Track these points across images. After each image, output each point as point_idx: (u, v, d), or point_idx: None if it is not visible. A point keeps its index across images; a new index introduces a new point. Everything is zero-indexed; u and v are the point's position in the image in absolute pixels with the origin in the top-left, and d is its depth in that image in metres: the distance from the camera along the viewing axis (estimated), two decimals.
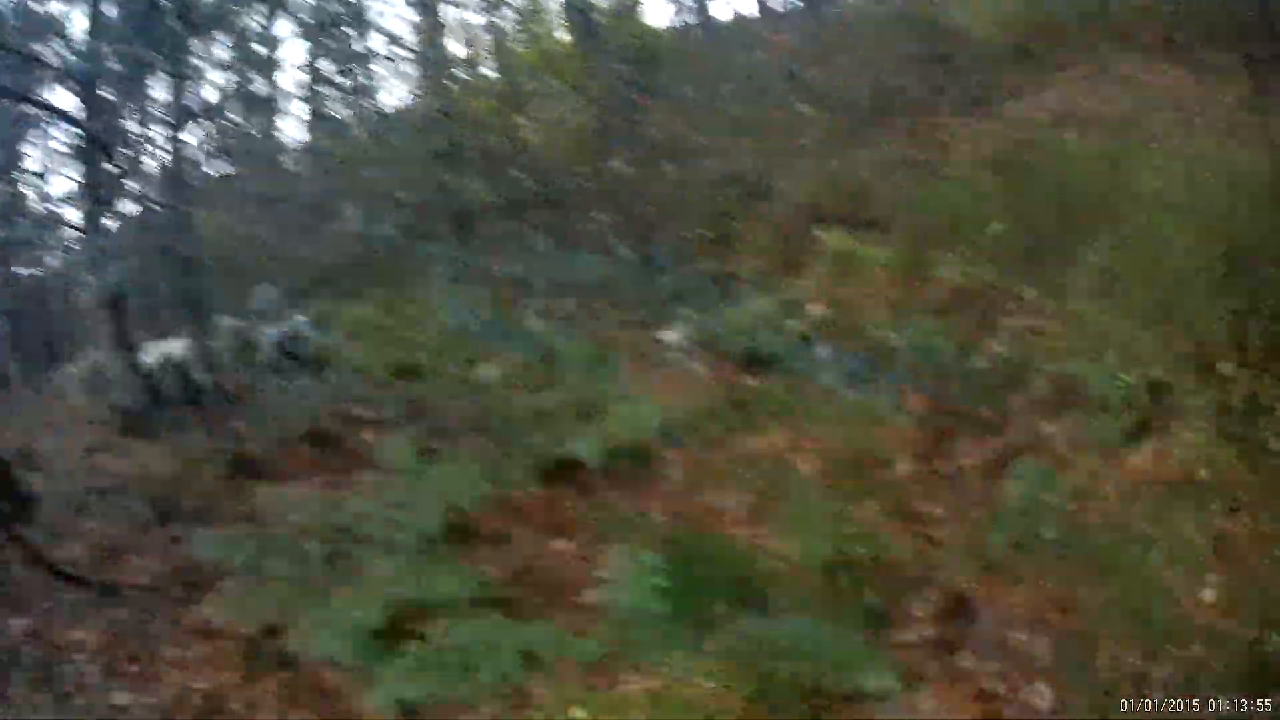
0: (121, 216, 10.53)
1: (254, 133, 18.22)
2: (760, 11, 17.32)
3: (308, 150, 18.41)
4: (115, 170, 9.73)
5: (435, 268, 13.63)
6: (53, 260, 14.86)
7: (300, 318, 11.35)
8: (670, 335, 9.28)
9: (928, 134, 10.46)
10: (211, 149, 15.57)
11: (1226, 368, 4.93)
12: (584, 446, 7.13)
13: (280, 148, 18.35)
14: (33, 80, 10.26)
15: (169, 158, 11.41)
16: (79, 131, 9.48)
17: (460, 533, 6.31)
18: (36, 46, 10.37)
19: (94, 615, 6.07)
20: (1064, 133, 9.47)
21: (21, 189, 14.92)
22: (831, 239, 9.10)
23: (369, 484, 7.16)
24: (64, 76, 9.70)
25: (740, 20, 18.05)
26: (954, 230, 8.09)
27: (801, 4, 16.63)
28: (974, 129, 10.07)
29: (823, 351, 7.91)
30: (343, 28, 18.65)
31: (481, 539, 6.45)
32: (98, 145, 9.16)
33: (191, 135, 14.07)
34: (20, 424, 10.45)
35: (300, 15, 15.88)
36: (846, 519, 5.55)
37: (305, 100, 19.10)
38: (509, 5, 17.56)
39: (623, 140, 11.93)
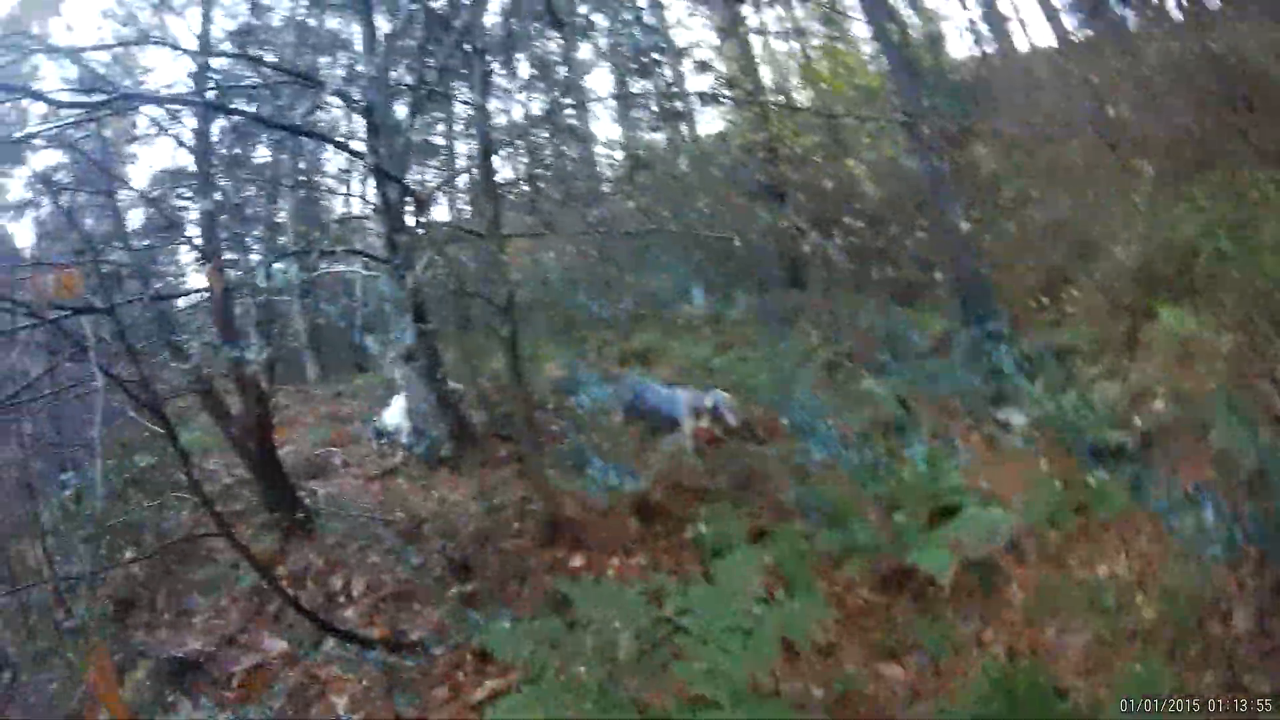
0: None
1: (567, 158, 18.59)
2: (1058, 42, 16.93)
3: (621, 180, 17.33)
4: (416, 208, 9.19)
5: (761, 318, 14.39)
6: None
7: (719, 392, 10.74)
8: (1014, 417, 9.66)
9: (1241, 188, 10.17)
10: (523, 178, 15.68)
11: None
12: (933, 560, 6.94)
13: (595, 176, 18.01)
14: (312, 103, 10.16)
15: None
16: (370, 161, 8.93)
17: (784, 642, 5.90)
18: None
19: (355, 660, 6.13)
20: None
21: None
22: (1169, 317, 9.09)
23: (694, 572, 7.01)
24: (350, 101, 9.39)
25: (1037, 51, 17.66)
26: None
27: (1095, 34, 16.05)
28: None
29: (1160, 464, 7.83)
30: (651, 53, 18.79)
31: (809, 650, 6.17)
32: (389, 179, 8.82)
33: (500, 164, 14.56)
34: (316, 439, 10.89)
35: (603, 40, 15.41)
36: (1181, 688, 5.41)
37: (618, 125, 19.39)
38: (817, 35, 17.96)
39: (951, 187, 12.15)
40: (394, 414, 10.58)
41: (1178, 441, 7.93)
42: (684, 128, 19.37)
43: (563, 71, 15.80)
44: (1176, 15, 13.94)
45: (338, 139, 11.37)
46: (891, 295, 12.80)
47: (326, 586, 7.09)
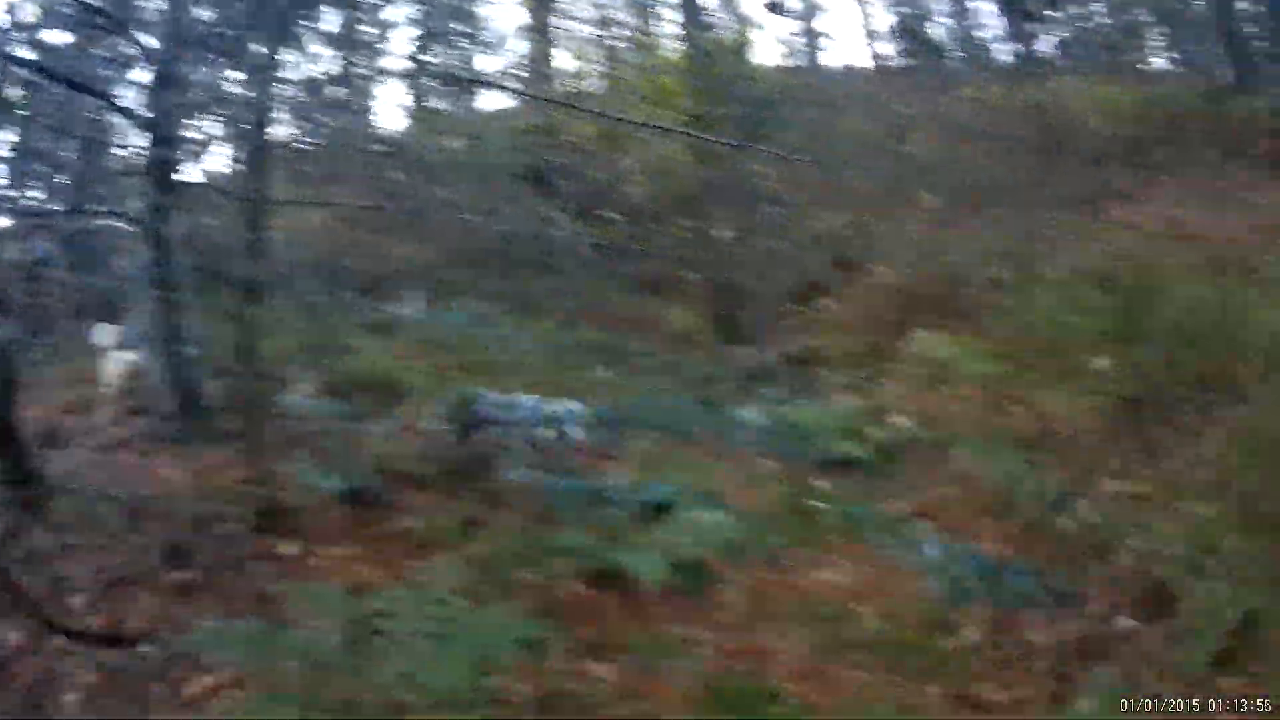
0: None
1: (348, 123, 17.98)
2: (874, 65, 16.67)
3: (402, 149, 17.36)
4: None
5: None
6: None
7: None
8: (747, 416, 8.90)
9: (1032, 229, 10.14)
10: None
11: None
12: (645, 565, 6.35)
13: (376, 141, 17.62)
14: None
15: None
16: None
17: None
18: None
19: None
20: (1173, 248, 9.22)
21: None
22: (924, 341, 8.67)
23: (401, 564, 6.50)
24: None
25: (851, 71, 17.48)
26: (1054, 350, 7.77)
27: (916, 62, 15.93)
28: (1080, 231, 9.78)
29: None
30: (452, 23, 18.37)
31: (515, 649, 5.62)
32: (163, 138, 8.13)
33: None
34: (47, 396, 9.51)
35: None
36: (906, 706, 5.07)
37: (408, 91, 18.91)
38: (623, 25, 17.33)
39: (727, 195, 11.46)
40: (116, 378, 9.38)
41: (916, 459, 7.55)
42: (473, 104, 18.45)
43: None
44: (1004, 58, 13.74)
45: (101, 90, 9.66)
46: (645, 290, 12.29)
47: (54, 572, 6.24)
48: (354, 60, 16.96)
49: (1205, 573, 4.90)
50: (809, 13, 17.48)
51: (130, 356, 9.36)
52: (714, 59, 14.51)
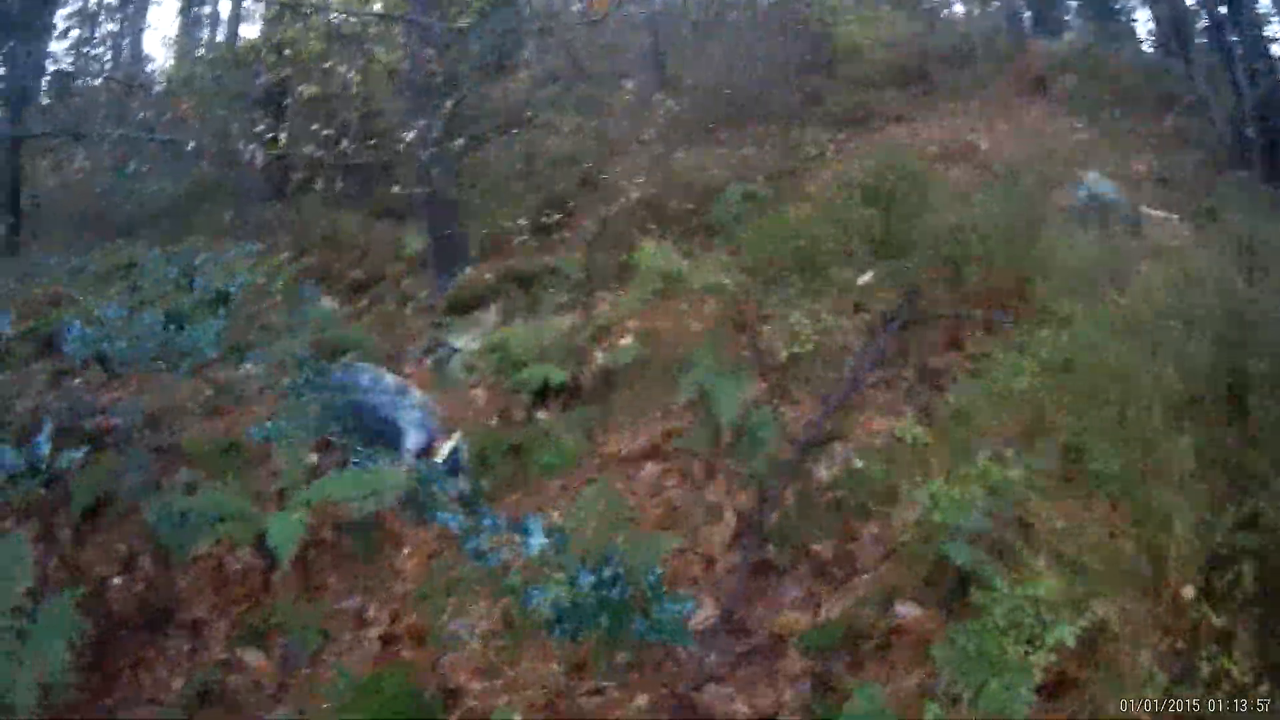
0: None
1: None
2: None
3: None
4: None
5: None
6: None
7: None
8: (460, 341, 7.57)
9: (797, 144, 9.11)
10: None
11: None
12: (280, 530, 5.14)
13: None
14: None
15: None
16: None
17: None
18: None
19: None
20: (947, 162, 8.30)
21: None
22: (654, 253, 7.31)
23: None
24: None
25: None
26: (809, 268, 6.54)
27: None
28: (846, 149, 8.68)
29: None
30: None
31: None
32: None
33: None
34: None
35: None
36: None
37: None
38: None
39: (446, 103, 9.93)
40: None
41: (644, 385, 6.32)
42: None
43: None
44: None
45: None
46: (381, 212, 11.37)
47: None
48: None
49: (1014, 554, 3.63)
50: None
51: None
52: None
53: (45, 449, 5.88)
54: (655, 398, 6.05)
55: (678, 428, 5.83)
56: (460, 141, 8.67)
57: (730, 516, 5.08)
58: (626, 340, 6.57)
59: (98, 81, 18.47)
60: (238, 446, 6.17)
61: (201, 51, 17.52)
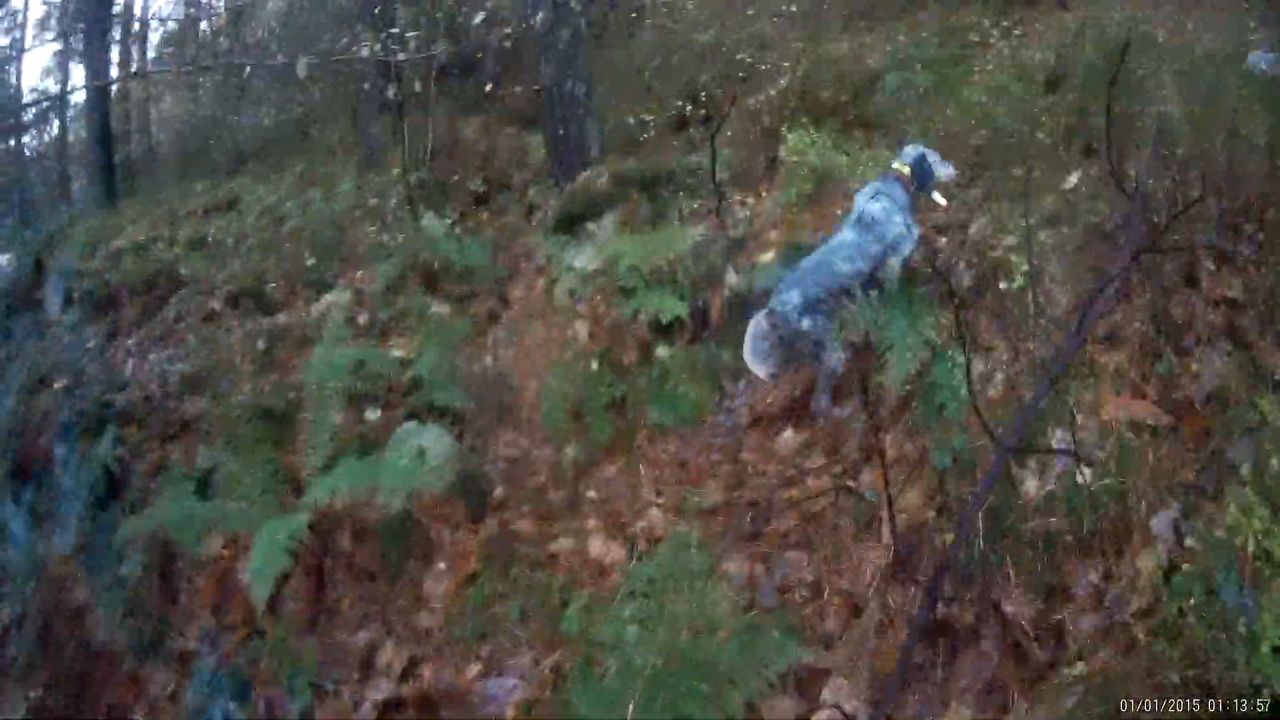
0: None
1: None
2: None
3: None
4: None
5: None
6: None
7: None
8: (577, 260, 6.51)
9: (959, 28, 7.76)
10: None
11: None
12: (257, 553, 4.33)
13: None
14: None
15: None
16: None
17: None
18: None
19: None
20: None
21: None
22: (800, 147, 6.13)
23: None
24: None
25: None
26: (991, 163, 5.26)
27: None
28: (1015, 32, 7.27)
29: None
30: None
31: None
32: None
33: None
34: None
35: None
36: None
37: None
38: None
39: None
40: None
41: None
42: None
43: None
44: None
45: None
46: (508, 117, 10.39)
47: None
48: None
49: None
50: None
51: None
52: None
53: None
54: None
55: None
56: (568, 31, 7.70)
57: (887, 534, 3.76)
58: (768, 256, 5.40)
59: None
60: (274, 411, 5.44)
61: None
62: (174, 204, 13.70)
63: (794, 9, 9.41)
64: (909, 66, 7.14)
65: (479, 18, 8.50)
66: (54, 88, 20.30)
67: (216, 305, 8.35)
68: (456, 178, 10.01)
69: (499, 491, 5.06)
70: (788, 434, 4.68)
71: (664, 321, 5.36)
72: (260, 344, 6.82)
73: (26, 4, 21.84)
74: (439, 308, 7.17)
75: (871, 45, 7.89)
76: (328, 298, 7.70)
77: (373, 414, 5.58)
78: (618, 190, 6.70)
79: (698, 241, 5.78)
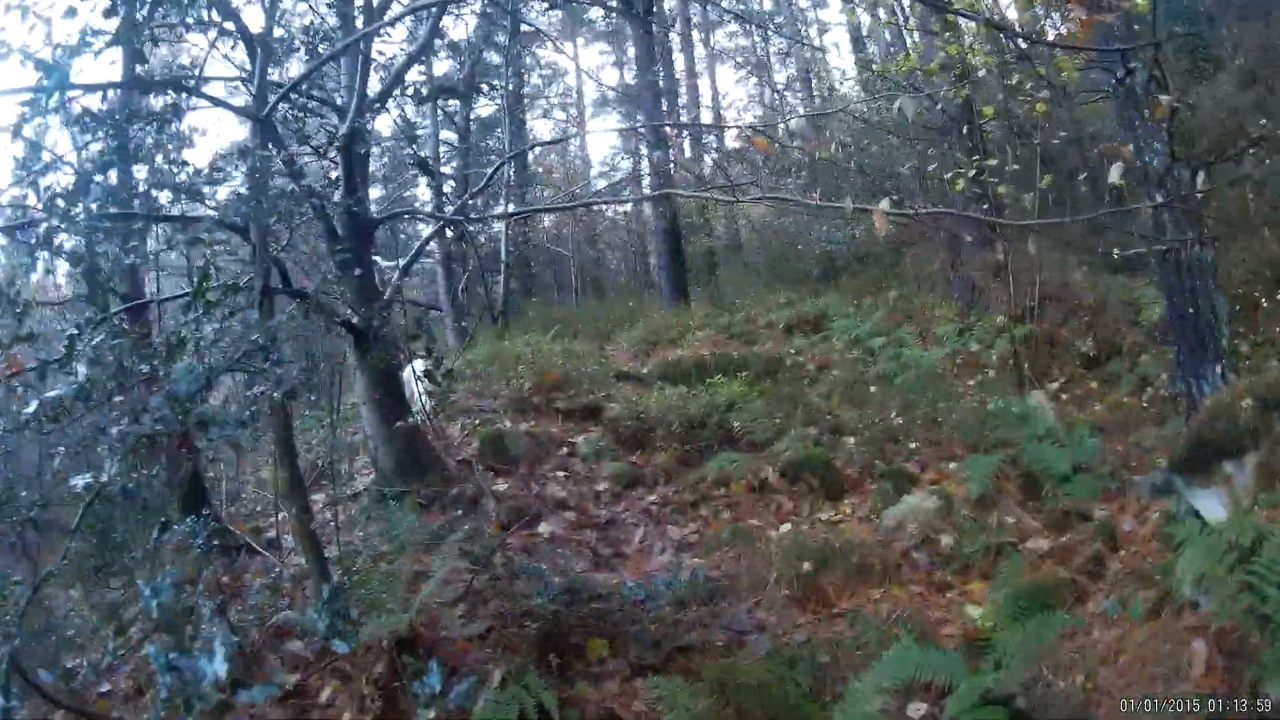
0: None
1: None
2: None
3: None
4: None
5: None
6: None
7: None
8: (1206, 523, 4.64)
9: None
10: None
11: None
12: None
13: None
14: None
15: None
16: None
17: None
18: None
19: None
20: None
21: None
22: None
23: None
24: None
25: None
26: None
27: None
28: None
29: None
30: None
31: None
32: None
33: None
34: None
35: None
36: None
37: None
38: None
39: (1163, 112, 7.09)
40: None
41: None
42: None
43: None
44: None
45: None
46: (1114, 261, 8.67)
47: None
48: None
49: None
50: None
51: None
52: None
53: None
54: None
55: None
56: (1190, 171, 6.00)
57: None
58: None
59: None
60: None
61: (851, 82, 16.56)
62: (749, 310, 13.48)
63: None
64: None
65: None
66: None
67: (770, 476, 7.34)
68: (1063, 333, 8.60)
69: None
70: None
71: None
72: (806, 565, 5.75)
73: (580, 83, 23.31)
74: (1033, 542, 5.78)
75: None
76: (906, 502, 6.52)
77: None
78: (1262, 418, 4.80)
79: None
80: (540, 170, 21.74)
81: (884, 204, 4.67)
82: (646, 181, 16.81)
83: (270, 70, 5.38)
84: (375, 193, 12.29)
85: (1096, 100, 9.99)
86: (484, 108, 20.12)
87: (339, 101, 7.20)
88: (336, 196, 6.37)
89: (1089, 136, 10.67)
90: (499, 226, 14.58)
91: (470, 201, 8.68)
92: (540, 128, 23.15)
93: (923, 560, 5.84)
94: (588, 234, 22.74)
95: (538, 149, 21.24)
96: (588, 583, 5.42)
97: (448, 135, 19.44)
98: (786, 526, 6.65)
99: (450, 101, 17.14)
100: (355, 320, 6.05)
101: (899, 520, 6.29)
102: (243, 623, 4.86)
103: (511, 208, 14.93)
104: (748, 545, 6.28)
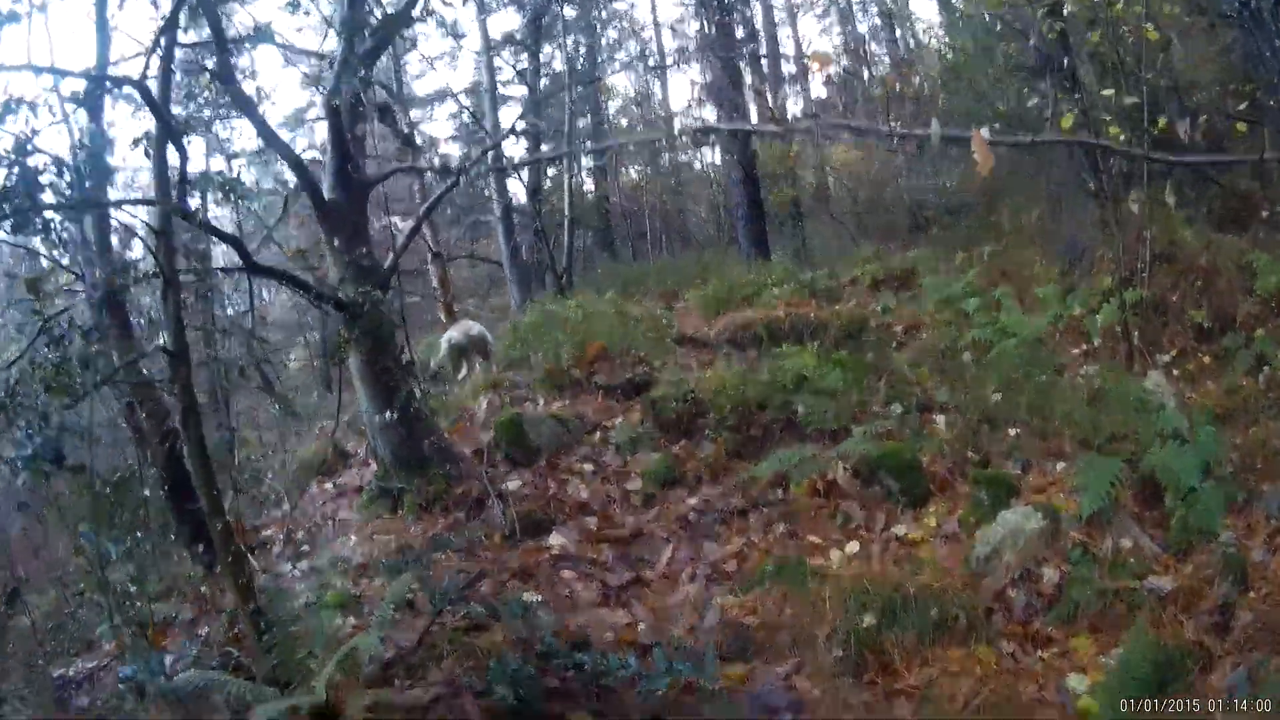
0: None
1: None
2: None
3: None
4: None
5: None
6: None
7: None
8: None
9: None
10: None
11: None
12: None
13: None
14: None
15: None
16: None
17: None
18: None
19: None
20: None
21: None
22: None
23: None
24: None
25: None
26: None
27: None
28: None
29: None
30: None
31: None
32: None
33: None
34: None
35: None
36: None
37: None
38: None
39: None
40: None
41: None
42: None
43: None
44: None
45: None
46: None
47: None
48: None
49: None
50: None
51: None
52: None
53: None
54: None
55: None
56: None
57: None
58: None
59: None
60: None
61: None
62: (834, 266, 12.52)
63: None
64: None
65: None
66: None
67: (839, 476, 6.25)
68: (1173, 298, 7.66)
69: None
70: None
71: None
72: (868, 619, 4.75)
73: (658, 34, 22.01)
74: (1154, 578, 4.63)
75: None
76: (1004, 521, 5.36)
77: None
78: None
79: None
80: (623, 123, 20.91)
81: (983, 132, 3.80)
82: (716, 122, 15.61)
83: None
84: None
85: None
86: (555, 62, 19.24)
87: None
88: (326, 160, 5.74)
89: (1188, 84, 9.40)
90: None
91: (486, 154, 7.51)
92: (618, 81, 22.16)
93: (1019, 602, 4.67)
94: (668, 188, 21.77)
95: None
96: (571, 640, 4.50)
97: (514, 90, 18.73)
98: (853, 546, 5.57)
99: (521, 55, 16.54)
100: (342, 296, 5.44)
101: (994, 547, 5.15)
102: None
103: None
104: (797, 583, 5.10)
